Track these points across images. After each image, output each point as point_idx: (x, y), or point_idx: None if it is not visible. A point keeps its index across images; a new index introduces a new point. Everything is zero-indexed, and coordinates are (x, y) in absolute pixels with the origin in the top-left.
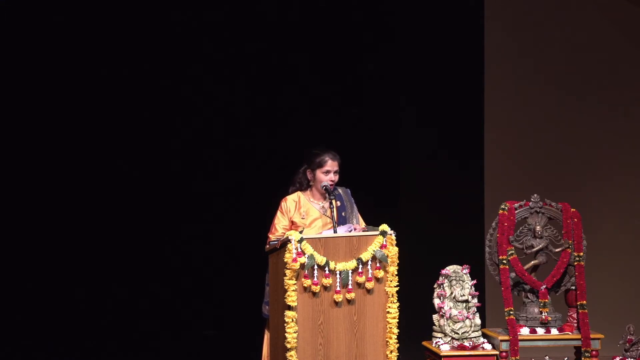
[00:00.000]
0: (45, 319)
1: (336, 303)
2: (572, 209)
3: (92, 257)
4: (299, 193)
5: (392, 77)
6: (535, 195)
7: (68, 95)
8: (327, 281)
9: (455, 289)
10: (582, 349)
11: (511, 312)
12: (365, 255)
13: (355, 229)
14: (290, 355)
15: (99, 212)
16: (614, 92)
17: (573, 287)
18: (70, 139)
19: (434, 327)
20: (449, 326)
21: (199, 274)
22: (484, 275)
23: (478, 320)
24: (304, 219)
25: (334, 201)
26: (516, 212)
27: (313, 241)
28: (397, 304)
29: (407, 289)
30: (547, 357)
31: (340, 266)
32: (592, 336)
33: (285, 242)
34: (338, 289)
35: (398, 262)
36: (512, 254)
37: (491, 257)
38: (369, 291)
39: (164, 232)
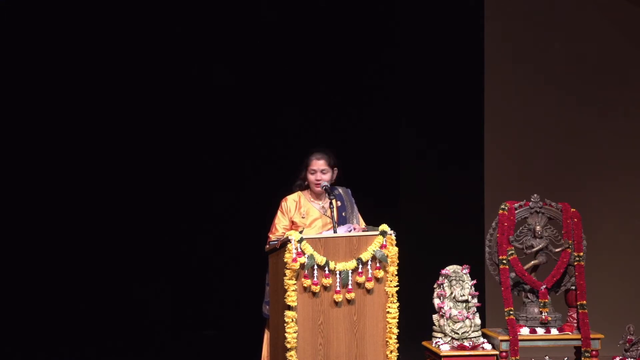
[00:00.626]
0: (45, 319)
1: (336, 303)
2: (572, 209)
3: (92, 257)
4: (299, 193)
5: (392, 77)
6: (535, 195)
7: (70, 92)
8: (327, 281)
9: (455, 289)
10: (582, 349)
11: (511, 312)
12: (365, 255)
13: (354, 229)
14: (290, 355)
15: (98, 212)
16: (614, 92)
17: (573, 287)
18: (69, 139)
19: (434, 327)
20: (449, 326)
21: (199, 274)
22: (484, 275)
23: (478, 320)
24: (304, 218)
25: (334, 201)
26: (516, 212)
27: (313, 241)
28: (397, 304)
29: (407, 289)
30: (547, 357)
31: (340, 266)
32: (592, 336)
33: (285, 242)
34: (338, 289)
35: (398, 262)
36: (512, 254)
37: (491, 257)
38: (369, 291)
39: (164, 232)
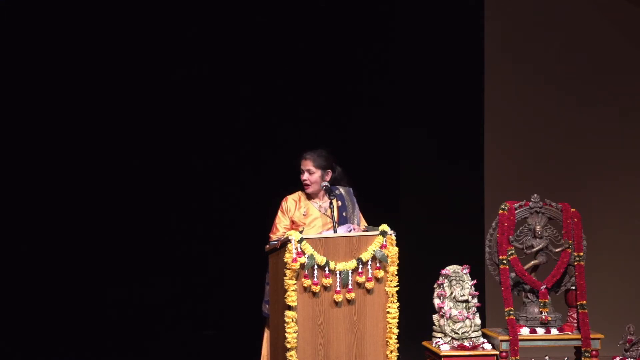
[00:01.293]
0: (45, 319)
1: (336, 303)
2: (572, 209)
3: (92, 257)
4: (299, 192)
5: (392, 77)
6: (535, 195)
7: (69, 92)
8: (327, 281)
9: (455, 289)
10: (582, 349)
11: (511, 312)
12: (365, 255)
13: (354, 229)
14: (290, 355)
15: (98, 212)
16: (614, 92)
17: (573, 287)
18: (68, 138)
19: (434, 327)
20: (449, 326)
21: (199, 274)
22: (484, 275)
23: (478, 320)
24: (305, 217)
25: (334, 201)
26: (516, 212)
27: (313, 241)
28: (397, 304)
29: (407, 289)
30: (547, 357)
31: (340, 266)
32: (592, 336)
33: (285, 242)
34: (338, 289)
35: (398, 262)
36: (512, 254)
37: (491, 257)
38: (369, 291)
39: (164, 232)
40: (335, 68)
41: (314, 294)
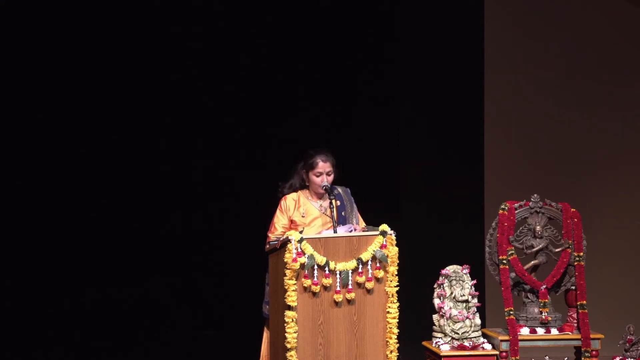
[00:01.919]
0: (45, 319)
1: (336, 303)
2: (572, 209)
3: (91, 257)
4: (298, 192)
5: (392, 77)
6: (535, 195)
7: (68, 91)
8: (327, 281)
9: (455, 289)
10: (582, 349)
11: (511, 312)
12: (365, 255)
13: (355, 229)
14: (290, 355)
15: (98, 211)
16: (614, 92)
17: (573, 287)
18: (67, 138)
19: (434, 327)
20: (449, 326)
21: (199, 274)
22: (484, 275)
23: (478, 320)
24: (304, 217)
25: (333, 201)
26: (516, 212)
27: (313, 241)
28: (397, 304)
29: (407, 289)
30: (547, 357)
31: (340, 266)
32: (592, 336)
33: (285, 242)
34: (338, 289)
35: (398, 262)
36: (512, 254)
37: (491, 257)
38: (369, 291)
39: (164, 232)
40: (336, 68)
41: (314, 294)
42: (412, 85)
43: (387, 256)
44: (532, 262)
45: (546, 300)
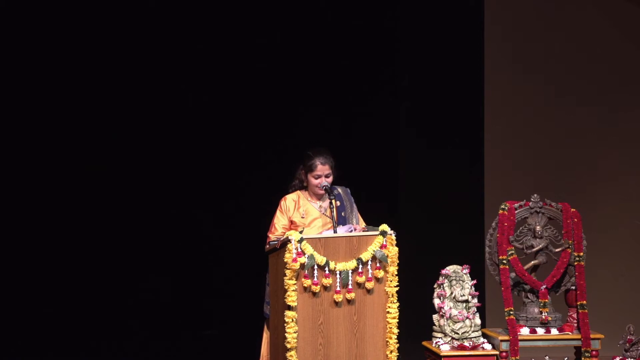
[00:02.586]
0: (45, 319)
1: (336, 303)
2: (572, 209)
3: (91, 257)
4: (298, 192)
5: (393, 78)
6: (535, 195)
7: (69, 91)
8: (327, 281)
9: (455, 289)
10: (582, 349)
11: (511, 312)
12: (365, 255)
13: (355, 229)
14: (290, 355)
15: (99, 211)
16: (614, 92)
17: (573, 287)
18: (66, 138)
19: (434, 327)
20: (449, 326)
21: (199, 274)
22: (484, 275)
23: (478, 320)
24: (304, 218)
25: (333, 201)
26: (516, 212)
27: (313, 241)
28: (397, 304)
29: (407, 289)
30: (547, 357)
31: (340, 266)
32: (592, 336)
33: (285, 242)
34: (338, 289)
35: (398, 262)
36: (512, 254)
37: (491, 257)
38: (369, 291)
39: (164, 232)
40: (335, 68)
41: (314, 294)
42: (413, 85)
43: (387, 256)
44: (532, 262)
45: (546, 300)
